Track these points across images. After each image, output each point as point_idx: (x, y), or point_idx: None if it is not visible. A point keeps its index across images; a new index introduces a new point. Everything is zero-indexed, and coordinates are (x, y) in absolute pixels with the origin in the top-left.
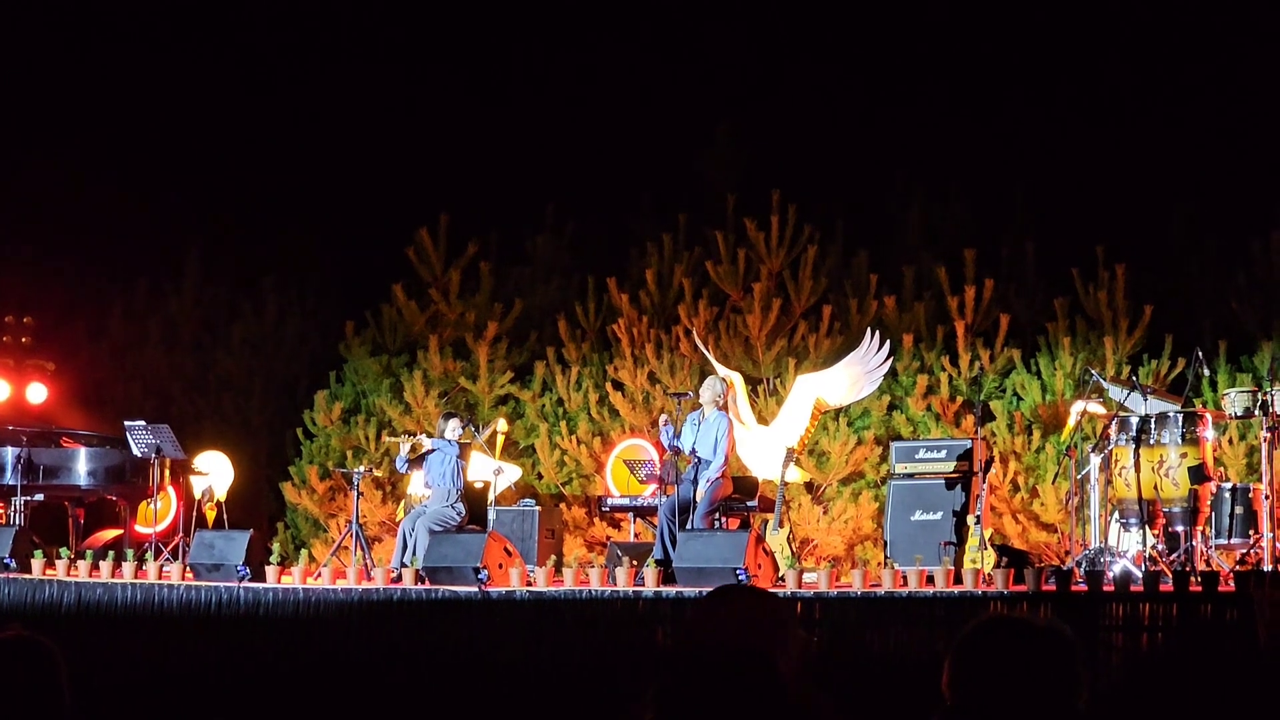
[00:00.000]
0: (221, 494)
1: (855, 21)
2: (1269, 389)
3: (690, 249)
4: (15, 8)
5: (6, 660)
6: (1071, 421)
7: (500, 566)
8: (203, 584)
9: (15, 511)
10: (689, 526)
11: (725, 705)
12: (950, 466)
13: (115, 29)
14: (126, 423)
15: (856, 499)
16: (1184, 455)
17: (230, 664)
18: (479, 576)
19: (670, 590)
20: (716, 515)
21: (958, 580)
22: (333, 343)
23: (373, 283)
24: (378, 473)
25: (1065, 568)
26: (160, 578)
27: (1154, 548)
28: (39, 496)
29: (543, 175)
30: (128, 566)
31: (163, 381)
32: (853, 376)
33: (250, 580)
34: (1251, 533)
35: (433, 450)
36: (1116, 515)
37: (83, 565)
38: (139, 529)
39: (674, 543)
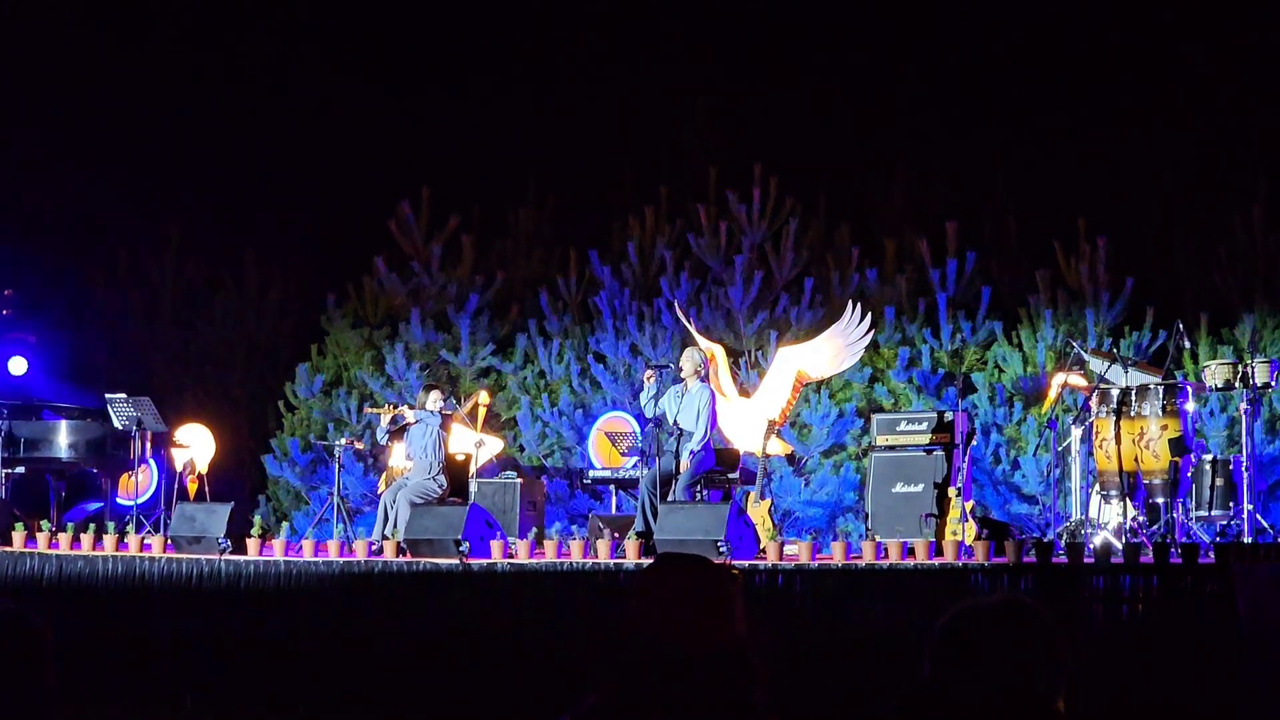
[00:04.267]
0: (203, 466)
1: None
2: (1249, 361)
3: (672, 221)
4: None
5: None
6: (1053, 394)
7: (481, 539)
8: (184, 556)
9: None
10: (670, 498)
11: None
12: (931, 439)
13: (92, 4)
14: (107, 395)
15: (838, 471)
16: (1165, 427)
17: (211, 636)
18: (460, 549)
19: (651, 562)
20: (698, 487)
21: (938, 552)
22: (314, 315)
23: (354, 255)
24: (359, 445)
25: (1046, 539)
26: (141, 550)
27: (1134, 520)
28: (20, 469)
29: (524, 148)
30: (109, 539)
31: (144, 354)
32: (834, 349)
33: (231, 552)
34: (1232, 505)
35: (415, 422)
36: (1097, 487)
37: (64, 538)
38: (120, 501)
39: (655, 515)
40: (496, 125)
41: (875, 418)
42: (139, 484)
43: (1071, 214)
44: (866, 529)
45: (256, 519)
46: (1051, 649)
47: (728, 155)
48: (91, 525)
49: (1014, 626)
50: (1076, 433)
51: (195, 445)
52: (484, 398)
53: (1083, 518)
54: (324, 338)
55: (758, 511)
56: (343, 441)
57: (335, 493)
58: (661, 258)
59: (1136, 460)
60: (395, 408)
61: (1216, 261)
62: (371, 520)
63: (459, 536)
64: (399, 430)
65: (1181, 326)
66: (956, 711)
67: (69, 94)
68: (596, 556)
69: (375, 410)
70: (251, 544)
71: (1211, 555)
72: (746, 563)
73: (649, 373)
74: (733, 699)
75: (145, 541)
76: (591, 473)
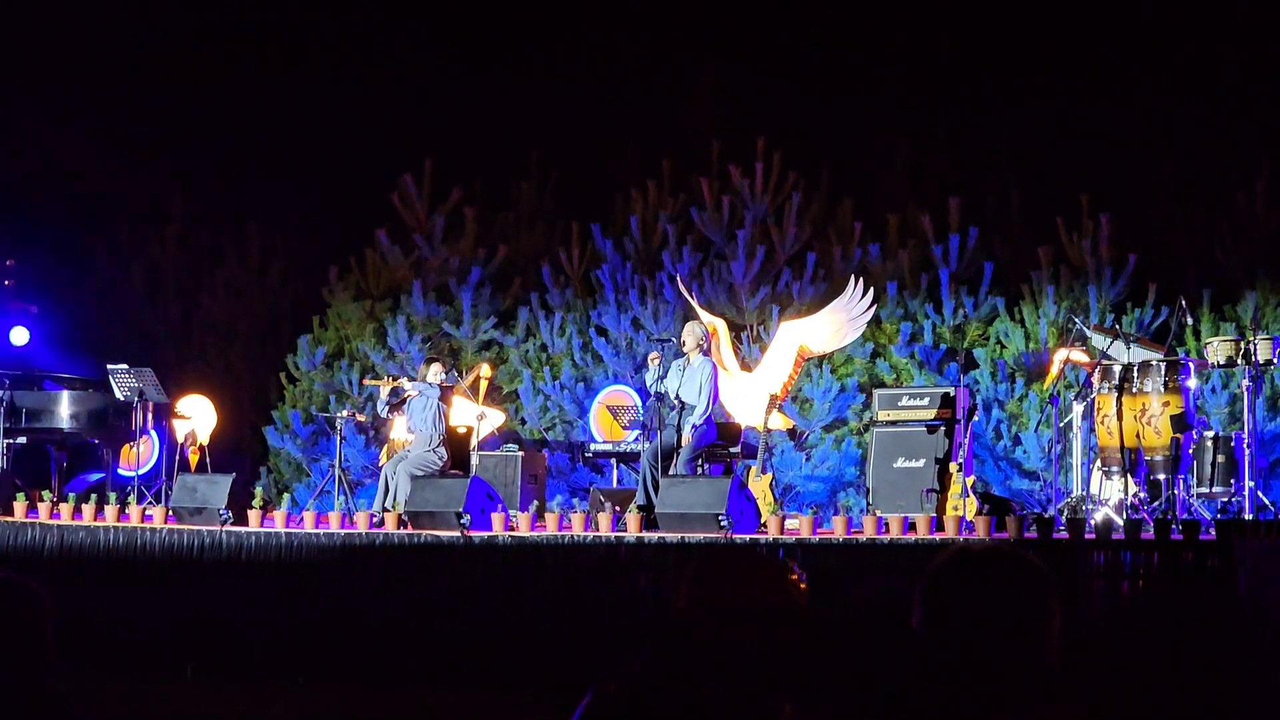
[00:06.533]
0: (204, 438)
1: None
2: (1251, 338)
3: (674, 195)
4: None
5: None
6: (1055, 369)
7: (482, 512)
8: (185, 527)
9: None
10: (672, 472)
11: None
12: (933, 414)
13: None
14: (109, 366)
15: (839, 446)
16: (1166, 404)
17: (212, 607)
18: (461, 521)
19: (652, 536)
20: (699, 461)
21: (939, 527)
22: (316, 287)
23: (357, 228)
24: (360, 417)
25: (1047, 515)
26: (142, 521)
27: (1136, 496)
28: (21, 439)
29: (527, 121)
30: (110, 510)
31: (146, 325)
32: (836, 324)
33: (232, 524)
34: (1233, 481)
35: (416, 394)
36: (1099, 463)
37: (65, 508)
38: (122, 472)
39: (657, 488)
40: (499, 98)
41: (877, 393)
42: (140, 455)
43: (1074, 190)
44: (868, 504)
45: (258, 490)
46: (1043, 597)
47: (730, 129)
48: (93, 496)
49: (1005, 573)
50: (1078, 409)
51: (197, 416)
52: (486, 371)
53: (1084, 494)
54: (326, 310)
55: (759, 486)
56: (344, 413)
57: (336, 465)
58: (664, 231)
59: (1138, 436)
60: (395, 380)
61: (1219, 238)
62: (372, 492)
63: (460, 509)
64: (399, 403)
65: (1184, 303)
66: (949, 660)
67: (71, 64)
68: (598, 530)
69: (375, 383)
70: (253, 515)
71: (1213, 532)
72: (748, 537)
73: (654, 355)
74: (750, 692)
75: (146, 512)
76: (593, 446)
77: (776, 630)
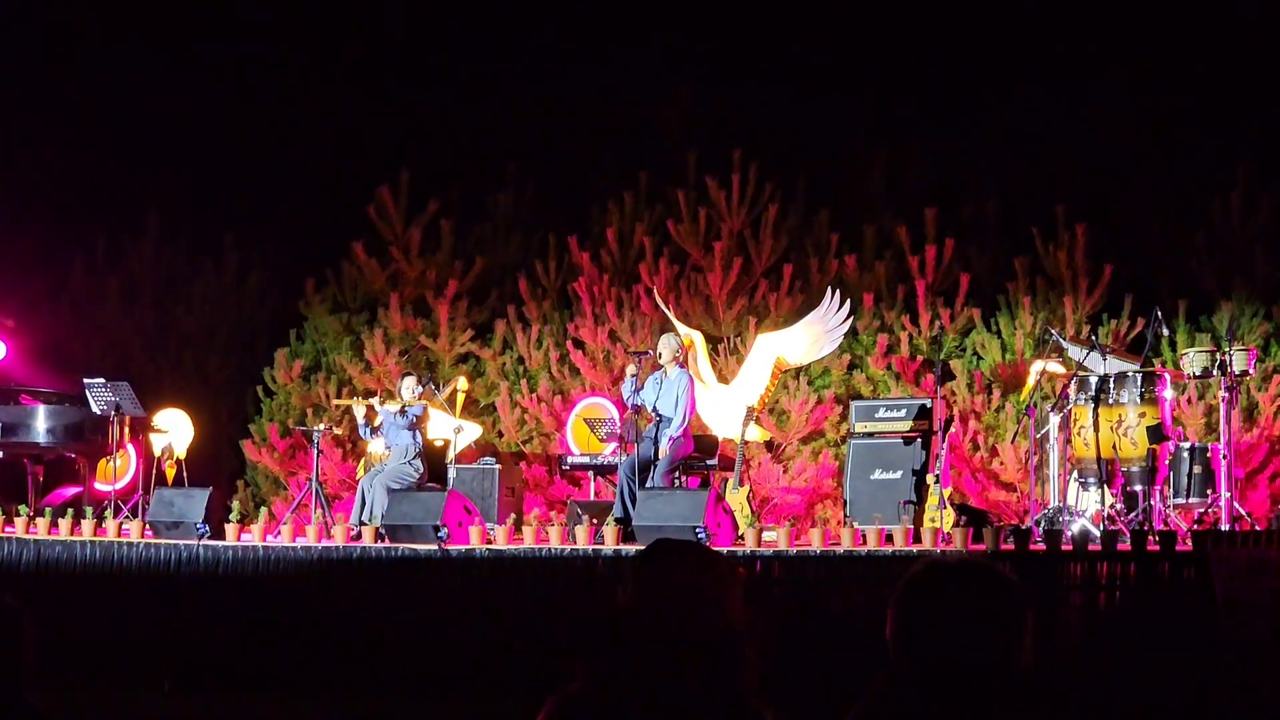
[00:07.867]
0: (181, 452)
1: None
2: (1227, 349)
3: (651, 207)
4: None
5: None
6: (1031, 381)
7: (460, 525)
8: (162, 542)
9: None
10: (649, 485)
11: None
12: (910, 426)
13: None
14: (86, 380)
15: (816, 458)
16: (1142, 415)
17: (189, 621)
18: (439, 535)
19: (630, 549)
20: (677, 474)
21: (916, 539)
22: (293, 300)
23: (333, 240)
24: (338, 431)
25: (1024, 527)
26: (119, 535)
27: (1112, 507)
28: None
29: (503, 133)
30: (87, 524)
31: (122, 338)
32: (813, 335)
33: (209, 538)
34: (1209, 492)
35: (397, 414)
36: (1075, 474)
37: (41, 523)
38: (98, 486)
39: (634, 501)
40: (476, 109)
41: (854, 405)
42: (117, 469)
43: (1050, 201)
44: (845, 516)
45: (235, 504)
46: (1015, 610)
47: (707, 140)
48: (69, 510)
49: (977, 585)
50: (1055, 420)
51: (174, 430)
52: (462, 383)
53: (1061, 505)
54: (303, 323)
55: (736, 498)
56: (321, 427)
57: (314, 478)
58: (641, 243)
59: (1114, 447)
60: (370, 405)
61: (1195, 249)
62: (350, 506)
63: (438, 522)
64: (379, 426)
65: (1160, 314)
66: (918, 672)
67: (47, 76)
68: (575, 543)
69: (349, 402)
70: (230, 529)
71: (1189, 542)
72: (724, 549)
73: (630, 368)
74: (722, 688)
75: (123, 527)
76: (570, 459)
77: (707, 658)
